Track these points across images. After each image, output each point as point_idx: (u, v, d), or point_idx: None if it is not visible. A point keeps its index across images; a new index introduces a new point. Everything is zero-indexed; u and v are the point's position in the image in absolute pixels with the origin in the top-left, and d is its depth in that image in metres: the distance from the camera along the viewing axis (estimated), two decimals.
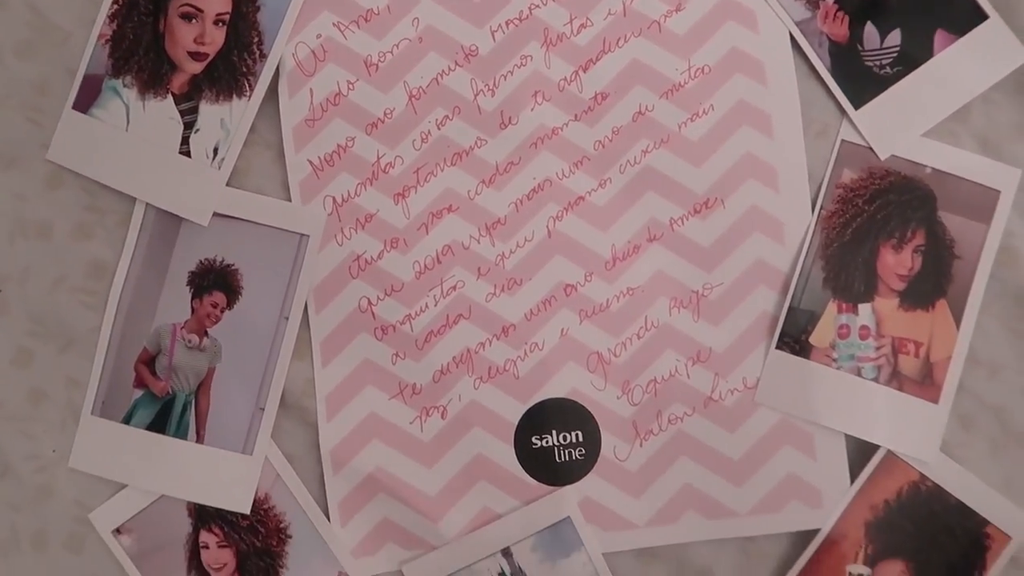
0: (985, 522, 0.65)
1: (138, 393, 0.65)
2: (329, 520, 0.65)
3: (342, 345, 0.67)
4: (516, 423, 0.66)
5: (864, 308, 0.66)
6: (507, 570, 0.66)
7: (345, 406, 0.66)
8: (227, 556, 0.65)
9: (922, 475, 0.65)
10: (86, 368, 0.67)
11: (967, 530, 0.65)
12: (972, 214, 0.66)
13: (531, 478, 0.66)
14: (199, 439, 0.65)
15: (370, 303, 0.67)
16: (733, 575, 0.66)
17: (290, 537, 0.65)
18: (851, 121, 0.67)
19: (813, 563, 0.65)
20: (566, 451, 0.66)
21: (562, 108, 0.67)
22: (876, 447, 0.65)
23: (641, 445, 0.66)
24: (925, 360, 0.66)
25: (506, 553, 0.65)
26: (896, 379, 0.65)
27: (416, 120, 0.68)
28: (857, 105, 0.67)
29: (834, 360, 0.66)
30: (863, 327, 0.66)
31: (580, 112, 0.67)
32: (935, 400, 0.65)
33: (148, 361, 0.65)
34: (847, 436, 0.66)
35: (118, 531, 0.65)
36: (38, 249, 0.68)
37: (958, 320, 0.66)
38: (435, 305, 0.67)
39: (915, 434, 0.65)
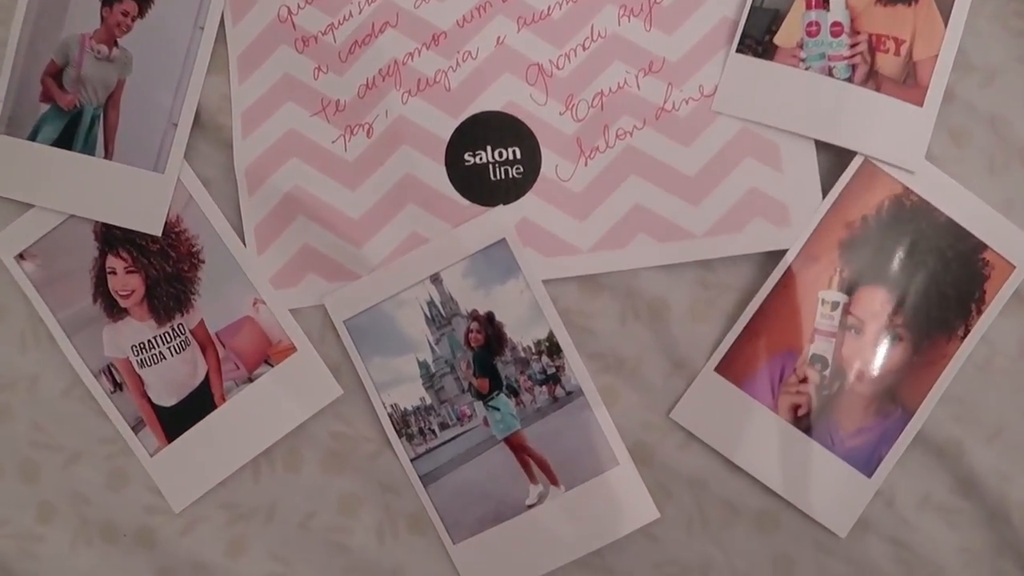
0: (982, 246, 0.57)
1: (44, 108, 0.61)
2: (245, 245, 0.60)
3: (261, 59, 0.61)
4: (447, 139, 0.60)
5: (836, 3, 0.58)
6: (436, 298, 0.59)
7: (263, 123, 0.61)
8: (135, 282, 0.60)
9: (906, 188, 0.57)
10: None
11: (961, 255, 0.57)
12: None
13: (463, 198, 0.59)
14: (108, 155, 0.60)
15: (290, 12, 0.61)
16: (690, 308, 0.59)
17: (203, 262, 0.60)
18: None
19: (780, 290, 0.57)
20: (502, 168, 0.60)
21: None
22: (851, 156, 0.57)
23: (586, 164, 0.60)
24: (907, 59, 0.58)
25: (435, 280, 0.59)
26: (873, 79, 0.57)
27: None
28: None
29: (802, 60, 0.58)
30: (835, 23, 0.58)
31: None
32: (919, 102, 0.57)
33: (55, 74, 0.61)
34: (818, 145, 0.58)
35: (21, 257, 0.61)
36: None
37: (946, 17, 0.58)
38: (359, 13, 0.61)
39: (897, 140, 0.57)
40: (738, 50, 0.59)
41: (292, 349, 0.60)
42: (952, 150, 0.58)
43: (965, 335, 0.57)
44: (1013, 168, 0.58)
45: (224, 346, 0.60)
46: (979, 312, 0.57)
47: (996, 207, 0.57)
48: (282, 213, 0.60)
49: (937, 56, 0.57)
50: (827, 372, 0.57)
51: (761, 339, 0.58)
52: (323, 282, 0.60)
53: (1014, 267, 0.57)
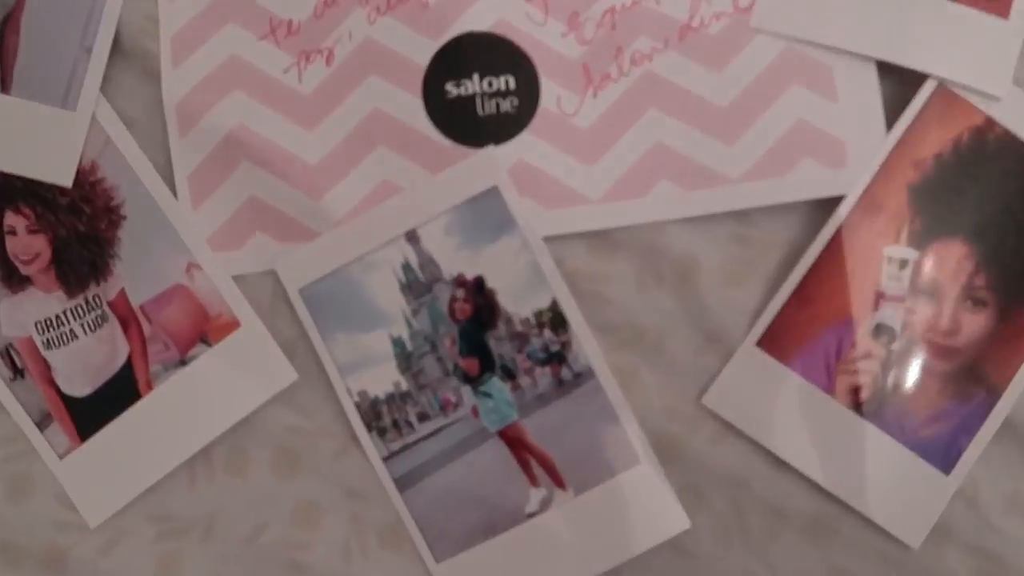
0: None
1: None
2: (177, 198, 0.49)
3: None
4: (425, 66, 0.49)
5: None
6: (413, 261, 0.48)
7: (198, 49, 0.50)
8: (40, 244, 0.49)
9: (989, 118, 0.47)
10: None
11: None
12: None
13: (445, 138, 0.49)
14: (4, 88, 0.49)
15: None
16: (724, 269, 0.48)
17: (124, 219, 0.49)
18: None
19: (835, 246, 0.47)
20: (493, 101, 0.49)
21: None
22: (922, 80, 0.47)
23: (595, 94, 0.49)
24: None
25: (411, 238, 0.48)
26: None
27: None
28: None
29: None
30: None
31: None
32: (1004, 14, 0.47)
33: None
34: (881, 69, 0.47)
35: None
36: None
37: None
38: None
39: (977, 60, 0.47)
40: None
41: (235, 324, 0.49)
42: None
43: None
44: None
45: (151, 321, 0.49)
46: None
47: None
48: (222, 158, 0.49)
49: None
50: (895, 346, 0.46)
51: (813, 306, 0.47)
52: (274, 243, 0.49)
53: None
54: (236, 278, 0.49)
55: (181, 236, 0.49)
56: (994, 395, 0.46)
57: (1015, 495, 0.47)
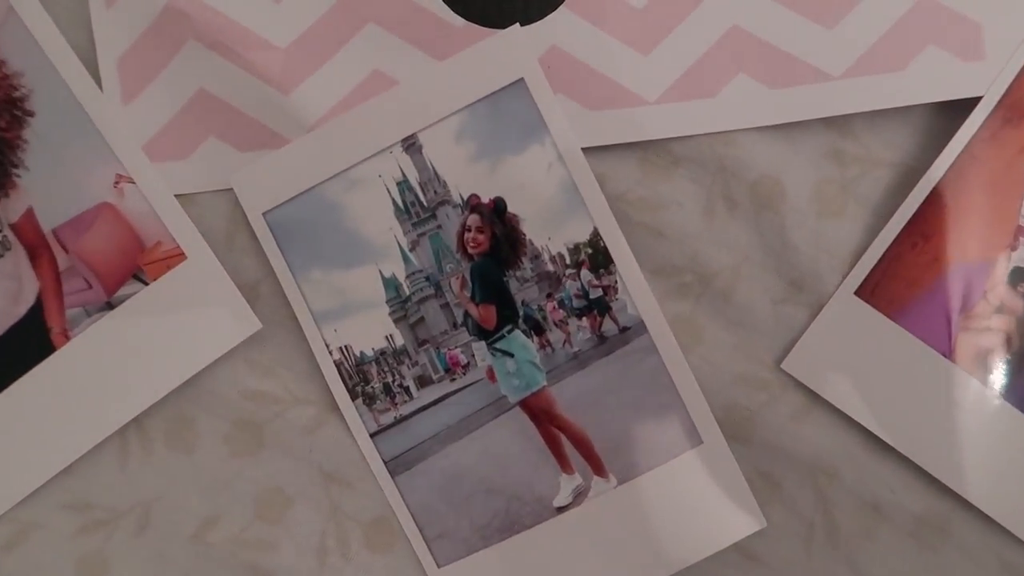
0: None
1: None
2: (102, 89, 0.38)
3: None
4: None
5: None
6: (412, 176, 0.37)
7: None
8: None
9: None
10: None
11: None
12: None
13: (456, 15, 0.37)
14: None
15: None
16: (817, 194, 0.37)
17: (31, 116, 0.38)
18: None
19: (966, 163, 0.36)
20: None
21: None
22: None
23: None
24: None
25: (410, 146, 0.37)
26: None
27: None
28: None
29: None
30: None
31: None
32: None
33: None
34: None
35: None
36: None
37: None
38: None
39: None
40: None
41: (179, 256, 0.38)
42: None
43: None
44: None
45: (67, 251, 0.38)
46: None
47: None
48: (162, 37, 0.38)
49: None
50: None
51: (931, 244, 0.36)
52: (231, 150, 0.39)
53: None
54: (181, 197, 0.39)
55: (107, 140, 0.38)
56: None
57: None
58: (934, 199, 0.37)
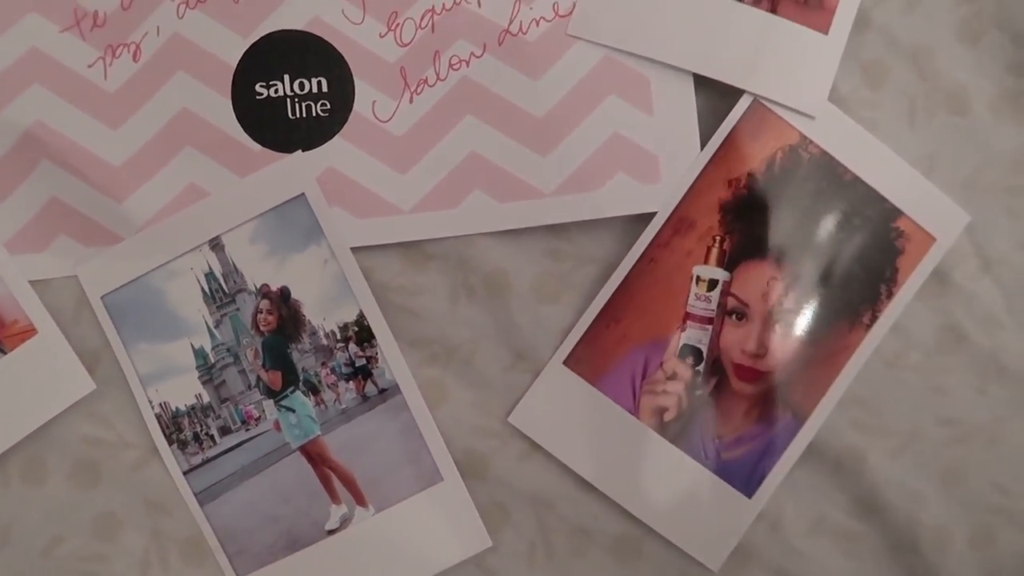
0: (897, 212, 0.46)
1: None
2: None
3: None
4: (235, 65, 0.47)
5: None
6: (217, 269, 0.47)
7: None
8: None
9: (804, 137, 0.46)
10: None
11: (870, 222, 0.46)
12: None
13: (254, 141, 0.47)
14: None
15: None
16: (536, 285, 0.47)
17: None
18: None
19: (646, 263, 0.46)
20: (304, 104, 0.47)
21: None
22: (737, 96, 0.46)
23: (411, 100, 0.47)
24: None
25: (215, 245, 0.47)
26: None
27: None
28: None
29: None
30: None
31: None
32: (824, 29, 0.46)
33: None
34: (697, 82, 0.46)
35: None
36: None
37: None
38: None
39: (794, 76, 0.46)
40: None
41: (31, 332, 0.47)
42: (864, 91, 0.47)
43: (872, 323, 0.46)
44: (938, 116, 0.47)
45: None
46: (890, 295, 0.46)
47: (915, 164, 0.46)
48: (20, 157, 0.47)
49: None
50: (700, 367, 0.46)
51: (621, 325, 0.46)
52: (79, 246, 0.47)
53: (934, 239, 0.46)
54: (40, 283, 0.47)
55: None
56: (800, 418, 0.46)
57: (819, 518, 0.47)
58: (622, 290, 0.46)
